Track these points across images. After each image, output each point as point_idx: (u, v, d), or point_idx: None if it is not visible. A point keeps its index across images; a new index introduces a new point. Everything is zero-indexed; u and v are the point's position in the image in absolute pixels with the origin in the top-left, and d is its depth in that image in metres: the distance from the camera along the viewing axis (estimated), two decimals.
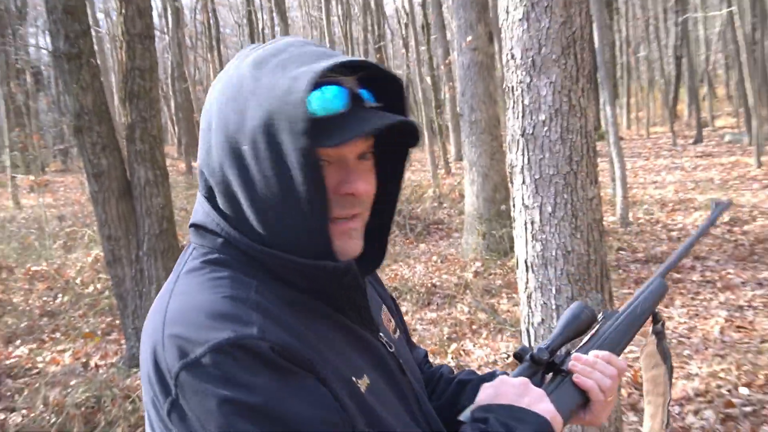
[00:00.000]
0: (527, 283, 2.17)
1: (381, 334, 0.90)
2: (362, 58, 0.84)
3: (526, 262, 2.15)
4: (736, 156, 12.45)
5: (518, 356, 0.95)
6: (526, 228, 2.13)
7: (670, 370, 1.09)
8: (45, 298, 6.48)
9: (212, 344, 0.70)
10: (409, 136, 0.86)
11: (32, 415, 3.87)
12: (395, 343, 0.94)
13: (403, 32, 17.91)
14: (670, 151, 14.82)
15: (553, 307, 2.12)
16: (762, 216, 7.57)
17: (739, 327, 4.49)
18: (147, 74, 4.16)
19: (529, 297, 2.17)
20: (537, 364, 0.93)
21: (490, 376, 1.00)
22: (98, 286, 6.64)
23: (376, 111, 0.81)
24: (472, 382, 1.03)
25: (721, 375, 3.70)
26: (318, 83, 0.74)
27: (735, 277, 5.55)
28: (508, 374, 0.95)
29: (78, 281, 6.85)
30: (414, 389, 0.91)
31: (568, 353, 0.96)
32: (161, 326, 0.75)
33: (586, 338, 0.99)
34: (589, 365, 0.93)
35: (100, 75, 4.35)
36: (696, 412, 3.30)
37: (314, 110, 0.74)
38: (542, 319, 2.13)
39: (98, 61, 4.47)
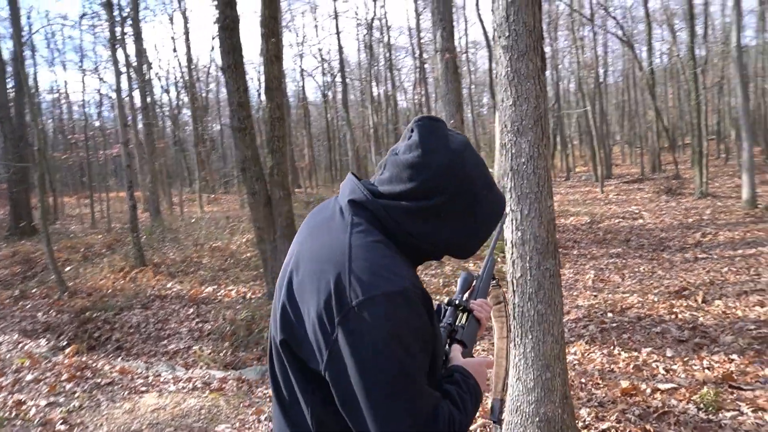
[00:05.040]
0: (512, 254, 2.85)
1: None
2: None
3: (512, 242, 2.86)
4: (588, 187, 18.55)
5: (449, 303, 1.37)
6: (512, 223, 2.83)
7: (506, 305, 1.50)
8: (220, 261, 9.90)
9: (383, 291, 0.97)
10: None
11: (216, 324, 6.00)
12: None
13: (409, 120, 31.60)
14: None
15: (527, 267, 2.81)
16: (606, 219, 11.15)
17: (601, 279, 6.49)
18: (281, 139, 6.12)
19: (513, 262, 2.86)
20: (457, 307, 1.36)
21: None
22: (248, 255, 10.18)
23: None
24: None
25: (596, 305, 5.38)
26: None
27: (596, 252, 7.94)
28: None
29: (238, 252, 10.55)
30: None
31: (467, 300, 1.40)
32: (345, 266, 0.99)
33: (471, 289, 1.45)
34: (478, 305, 1.38)
35: (255, 139, 6.27)
36: (585, 326, 4.82)
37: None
38: (521, 274, 2.84)
39: (254, 132, 6.32)
